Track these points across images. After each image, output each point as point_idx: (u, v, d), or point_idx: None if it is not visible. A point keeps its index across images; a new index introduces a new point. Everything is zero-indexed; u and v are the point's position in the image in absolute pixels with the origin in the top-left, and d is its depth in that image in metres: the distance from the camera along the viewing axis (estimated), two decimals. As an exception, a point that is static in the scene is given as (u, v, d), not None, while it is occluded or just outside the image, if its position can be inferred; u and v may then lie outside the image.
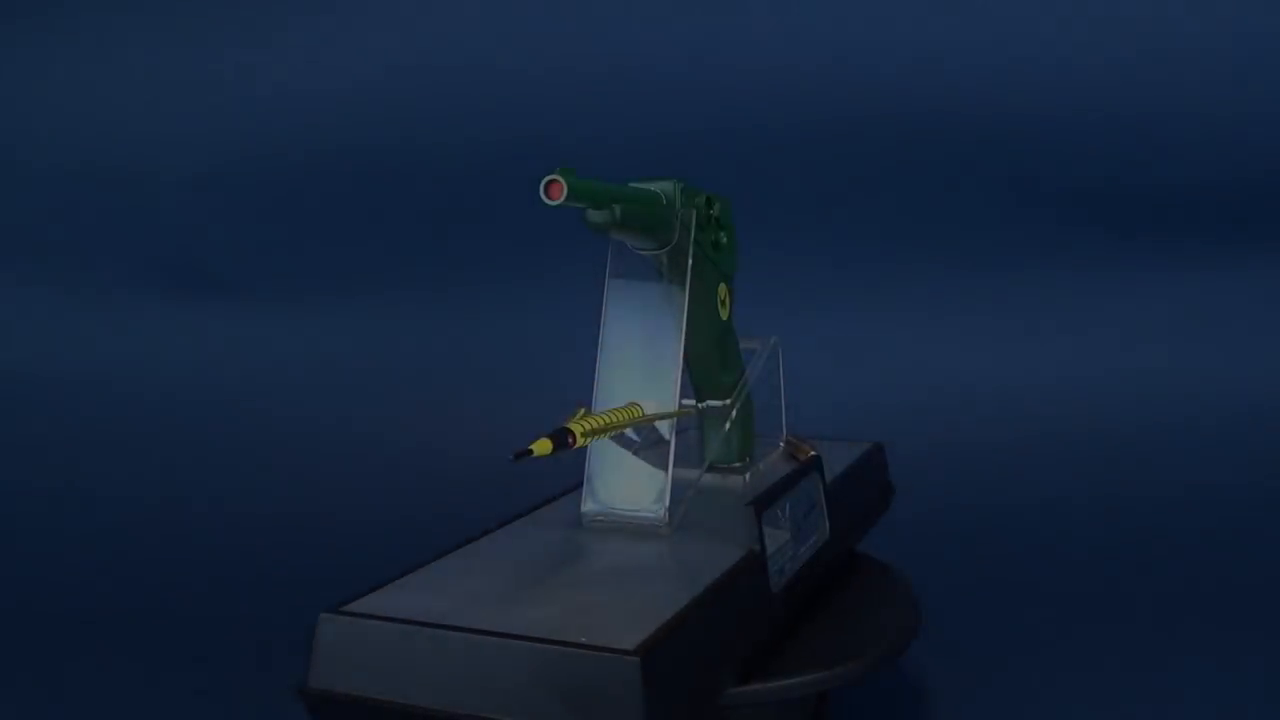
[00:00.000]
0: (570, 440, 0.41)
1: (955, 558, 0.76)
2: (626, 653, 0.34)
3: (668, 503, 0.48)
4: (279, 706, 0.58)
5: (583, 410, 0.45)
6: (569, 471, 0.51)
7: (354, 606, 0.41)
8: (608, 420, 0.45)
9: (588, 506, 0.48)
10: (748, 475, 0.54)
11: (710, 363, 0.53)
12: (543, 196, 0.41)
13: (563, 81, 1.13)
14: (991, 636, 0.64)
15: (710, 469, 0.54)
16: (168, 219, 1.21)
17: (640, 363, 0.49)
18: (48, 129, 1.23)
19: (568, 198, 0.41)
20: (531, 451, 0.40)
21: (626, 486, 0.49)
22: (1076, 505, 0.87)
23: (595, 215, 0.43)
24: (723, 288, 0.53)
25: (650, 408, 0.47)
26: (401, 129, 1.16)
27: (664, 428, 0.49)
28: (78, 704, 0.60)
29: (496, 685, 0.36)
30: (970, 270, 1.11)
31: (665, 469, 0.48)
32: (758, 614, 0.44)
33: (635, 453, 0.49)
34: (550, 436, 0.40)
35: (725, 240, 0.53)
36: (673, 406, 0.48)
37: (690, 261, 0.49)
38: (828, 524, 0.52)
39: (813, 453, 0.56)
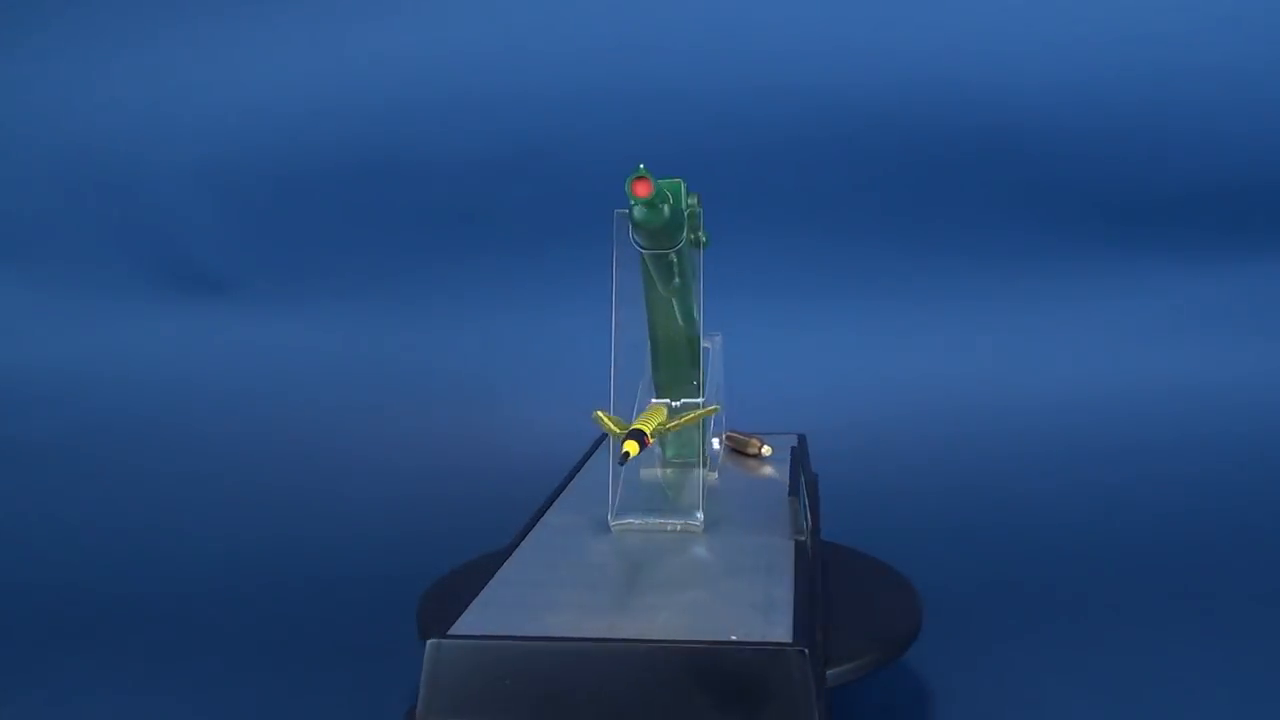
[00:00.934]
0: (645, 440, 0.43)
1: (955, 557, 0.76)
2: (788, 645, 0.35)
3: (701, 504, 0.48)
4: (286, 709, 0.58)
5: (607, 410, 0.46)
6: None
7: (461, 629, 0.39)
8: (662, 419, 0.45)
9: (619, 513, 0.48)
10: (716, 472, 0.54)
11: (686, 361, 0.54)
12: (629, 193, 0.41)
13: (563, 81, 1.13)
14: (992, 636, 0.64)
15: (668, 464, 0.55)
16: (166, 218, 1.21)
17: (662, 359, 0.50)
18: (47, 128, 1.23)
19: (654, 195, 0.41)
20: (628, 455, 0.41)
21: (654, 490, 0.50)
22: (1077, 504, 0.87)
23: (650, 215, 0.43)
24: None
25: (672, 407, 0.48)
26: (401, 128, 1.16)
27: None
28: (77, 703, 0.60)
29: (648, 692, 0.35)
30: (971, 270, 1.11)
31: (697, 471, 0.49)
32: (817, 598, 0.44)
33: (658, 459, 0.50)
34: (631, 437, 0.42)
35: (705, 239, 0.53)
36: (699, 404, 0.48)
37: (694, 261, 0.50)
38: (810, 513, 0.53)
39: (764, 447, 0.57)
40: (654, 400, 0.50)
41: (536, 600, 0.42)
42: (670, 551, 0.47)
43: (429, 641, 0.38)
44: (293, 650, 0.65)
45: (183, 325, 1.19)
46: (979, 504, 0.88)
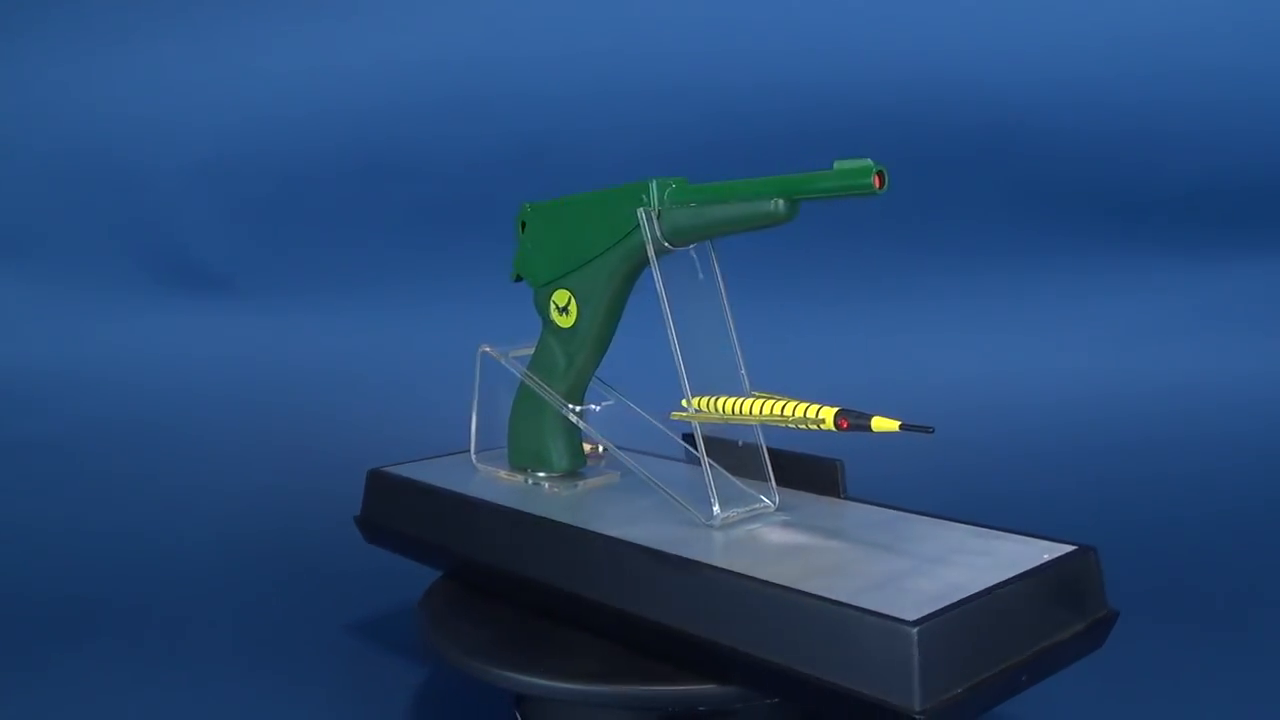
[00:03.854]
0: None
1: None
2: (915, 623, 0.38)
3: (775, 487, 0.52)
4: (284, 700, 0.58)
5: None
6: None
7: None
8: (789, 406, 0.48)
9: (718, 508, 0.50)
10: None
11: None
12: (874, 185, 0.44)
13: (562, 80, 1.13)
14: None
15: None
16: (166, 217, 1.21)
17: (711, 356, 0.51)
18: (47, 128, 1.23)
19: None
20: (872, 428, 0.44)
21: (733, 483, 0.51)
22: (1078, 503, 0.87)
23: (788, 209, 0.47)
24: None
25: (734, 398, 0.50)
26: (402, 128, 1.16)
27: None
28: (78, 701, 0.60)
29: (779, 634, 0.41)
30: (971, 268, 1.11)
31: (764, 461, 0.52)
32: None
33: (731, 452, 0.52)
34: (847, 414, 0.45)
35: None
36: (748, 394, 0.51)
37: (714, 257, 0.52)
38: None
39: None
40: (754, 392, 0.51)
41: None
42: (788, 528, 0.50)
43: None
44: (293, 649, 0.65)
45: (183, 324, 1.19)
46: (979, 503, 0.87)
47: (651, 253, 0.50)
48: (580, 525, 0.50)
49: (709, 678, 0.44)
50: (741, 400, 0.49)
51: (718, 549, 0.47)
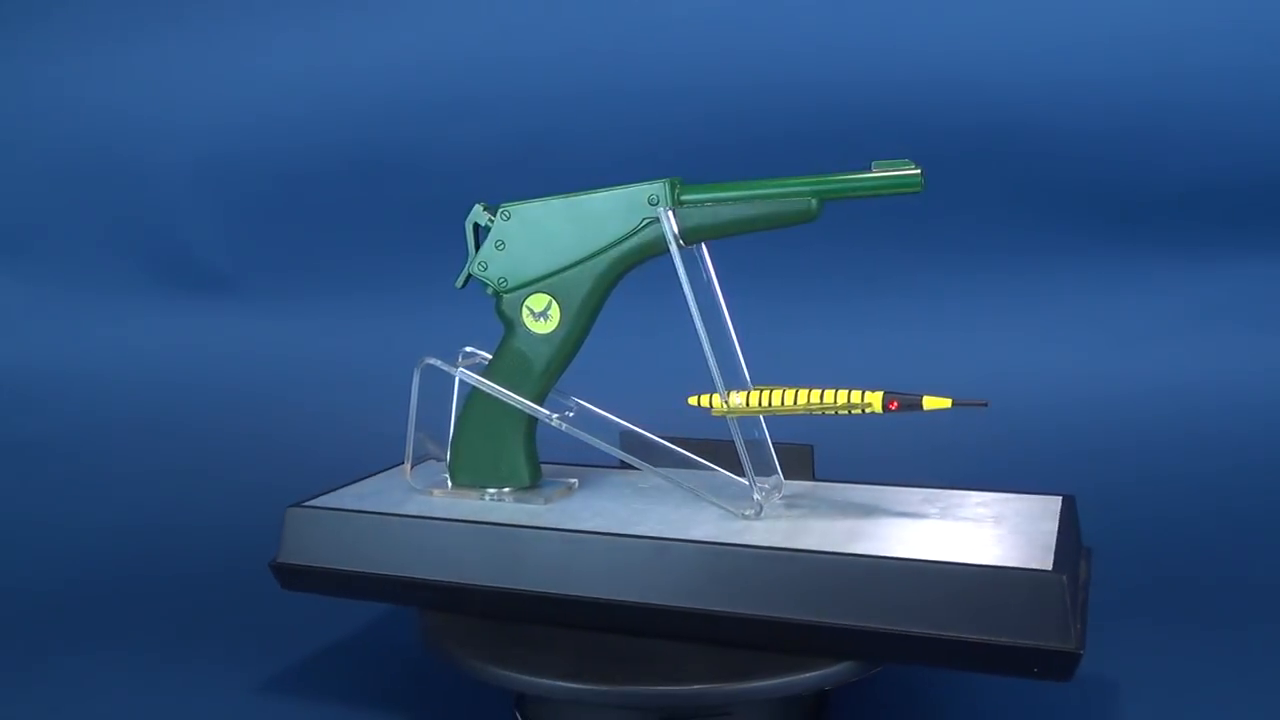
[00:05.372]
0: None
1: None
2: (1048, 572, 0.42)
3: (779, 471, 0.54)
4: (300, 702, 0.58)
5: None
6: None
7: None
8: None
9: (760, 497, 0.51)
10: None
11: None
12: (921, 183, 0.49)
13: (561, 80, 1.13)
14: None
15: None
16: (166, 217, 1.21)
17: (725, 350, 0.53)
18: (47, 128, 1.23)
19: None
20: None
21: (753, 471, 0.52)
22: (1079, 502, 0.87)
23: (819, 208, 0.50)
24: None
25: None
26: (401, 127, 1.16)
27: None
28: (79, 700, 0.60)
29: (924, 605, 0.43)
30: (971, 267, 1.11)
31: (769, 444, 0.54)
32: None
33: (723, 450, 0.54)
34: (895, 396, 0.49)
35: None
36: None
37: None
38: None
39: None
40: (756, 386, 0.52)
41: None
42: (832, 504, 0.53)
43: None
44: (293, 648, 0.65)
45: (182, 323, 1.19)
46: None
47: (675, 251, 0.51)
48: (635, 534, 0.49)
49: (844, 659, 0.45)
50: (783, 391, 0.50)
51: (793, 538, 0.48)
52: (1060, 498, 0.53)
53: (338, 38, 1.18)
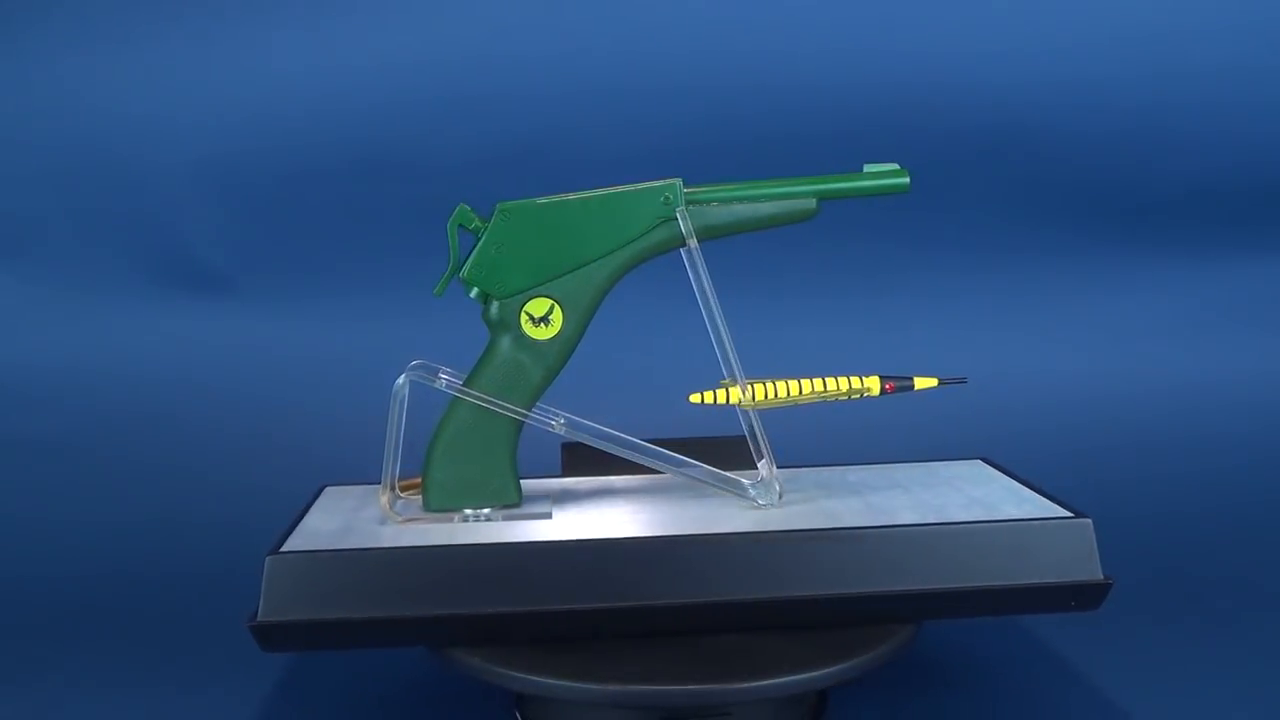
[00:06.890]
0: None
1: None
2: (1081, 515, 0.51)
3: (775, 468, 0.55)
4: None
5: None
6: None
7: None
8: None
9: (778, 485, 0.53)
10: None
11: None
12: (908, 185, 0.54)
13: (561, 79, 1.13)
14: (994, 634, 0.64)
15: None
16: (166, 217, 1.21)
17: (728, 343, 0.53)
18: (47, 128, 1.23)
19: None
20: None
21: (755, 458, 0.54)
22: (1077, 503, 0.87)
23: (818, 207, 0.53)
24: None
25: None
26: (401, 126, 1.16)
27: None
28: (79, 700, 0.60)
29: (974, 561, 0.49)
30: (972, 267, 1.11)
31: (762, 443, 0.54)
32: None
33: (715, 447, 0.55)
34: (890, 379, 0.54)
35: None
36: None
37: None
38: None
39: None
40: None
41: None
42: (845, 485, 0.58)
43: None
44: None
45: (182, 323, 1.19)
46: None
47: (694, 247, 0.51)
48: (680, 534, 0.49)
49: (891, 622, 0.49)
50: (789, 381, 0.52)
51: (835, 518, 0.51)
52: (979, 460, 0.64)
53: (338, 37, 1.18)
